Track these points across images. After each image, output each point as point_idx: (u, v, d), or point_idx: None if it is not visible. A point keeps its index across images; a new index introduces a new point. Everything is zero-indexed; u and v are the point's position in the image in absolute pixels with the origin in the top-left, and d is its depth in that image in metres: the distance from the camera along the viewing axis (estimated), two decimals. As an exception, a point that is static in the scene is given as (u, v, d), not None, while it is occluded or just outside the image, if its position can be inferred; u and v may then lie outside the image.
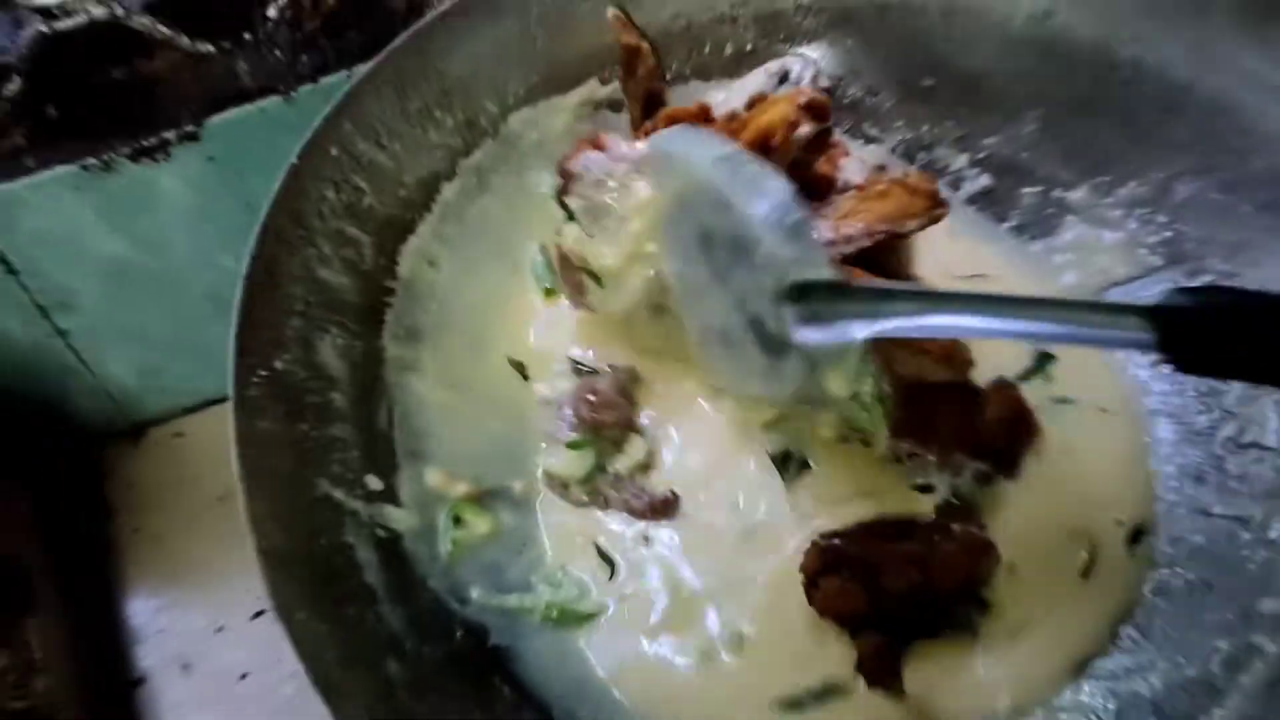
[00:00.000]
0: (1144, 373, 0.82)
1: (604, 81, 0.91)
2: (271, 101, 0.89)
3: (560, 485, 0.80)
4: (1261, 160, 0.76)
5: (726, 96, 0.81)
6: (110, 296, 0.97)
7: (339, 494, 0.73)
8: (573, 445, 0.80)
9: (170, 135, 0.88)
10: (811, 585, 0.70)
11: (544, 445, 0.82)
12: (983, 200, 0.90)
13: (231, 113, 0.88)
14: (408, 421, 0.81)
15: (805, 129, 0.69)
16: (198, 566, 1.02)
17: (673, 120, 0.76)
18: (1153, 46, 0.80)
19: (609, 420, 0.80)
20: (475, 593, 0.76)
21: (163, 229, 0.93)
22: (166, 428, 1.10)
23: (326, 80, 0.88)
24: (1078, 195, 0.86)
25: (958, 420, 0.72)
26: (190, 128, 0.88)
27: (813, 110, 0.69)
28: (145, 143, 0.88)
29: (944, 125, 0.90)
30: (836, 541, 0.71)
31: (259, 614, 0.98)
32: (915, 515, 0.73)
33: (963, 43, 0.87)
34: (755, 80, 0.83)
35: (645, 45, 0.82)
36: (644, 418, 0.82)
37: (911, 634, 0.70)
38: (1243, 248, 0.78)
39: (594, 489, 0.79)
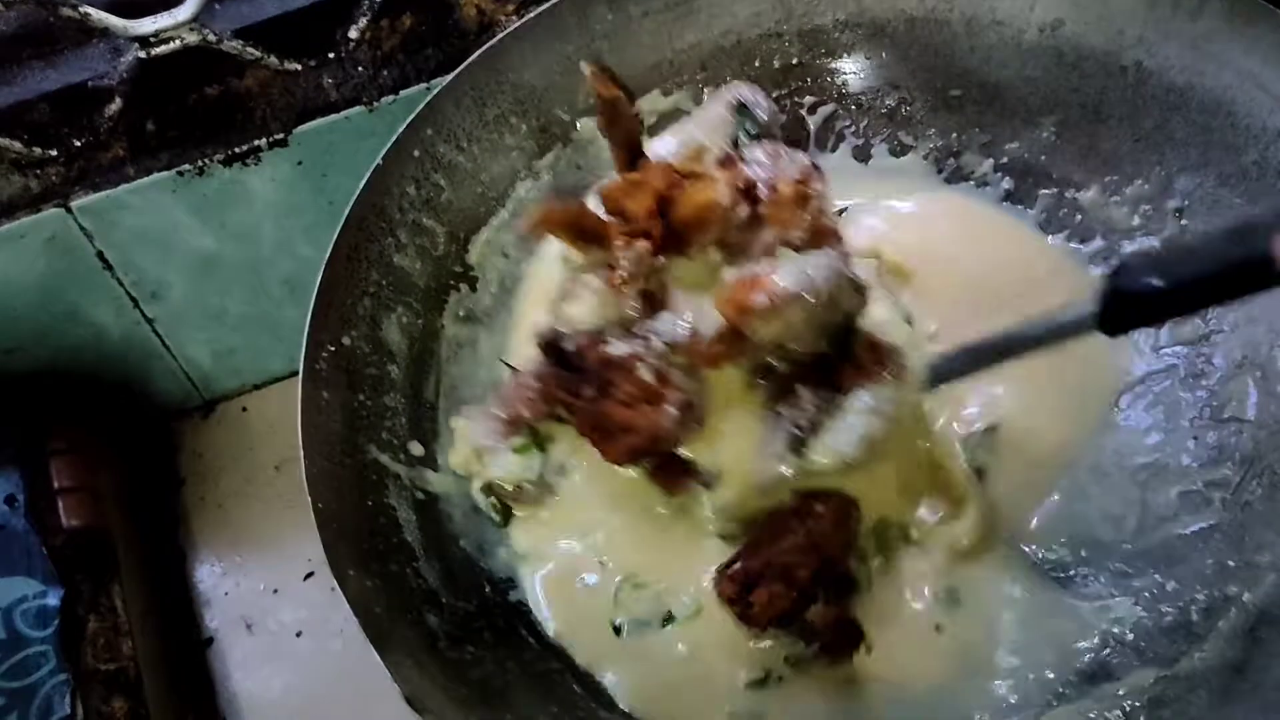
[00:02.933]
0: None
1: (665, 93, 1.10)
2: (355, 111, 1.10)
3: (512, 493, 0.92)
4: (1252, 154, 0.93)
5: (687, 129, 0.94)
6: (195, 285, 1.19)
7: (385, 458, 0.92)
8: (520, 449, 0.91)
9: (261, 143, 1.09)
10: (745, 607, 0.81)
11: (478, 465, 0.93)
12: (1005, 201, 1.08)
13: (318, 122, 1.09)
14: (453, 393, 1.01)
15: (742, 211, 0.80)
16: (256, 532, 1.24)
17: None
18: (1153, 50, 0.97)
19: (543, 412, 0.89)
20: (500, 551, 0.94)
21: (250, 225, 1.15)
22: (234, 403, 1.33)
23: (406, 92, 1.09)
24: (1089, 195, 1.03)
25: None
26: (279, 136, 1.09)
27: (747, 191, 0.81)
28: (237, 150, 1.09)
29: (970, 132, 1.09)
30: (739, 565, 0.84)
31: (309, 575, 1.19)
32: (776, 507, 0.86)
33: (984, 53, 1.06)
34: (715, 111, 0.94)
35: (622, 96, 0.94)
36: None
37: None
38: (1233, 237, 0.94)
39: (544, 484, 0.92)
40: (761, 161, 0.82)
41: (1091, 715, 0.81)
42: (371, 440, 0.90)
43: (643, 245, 0.83)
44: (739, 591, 0.82)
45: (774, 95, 1.11)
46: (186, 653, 1.17)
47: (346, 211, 0.91)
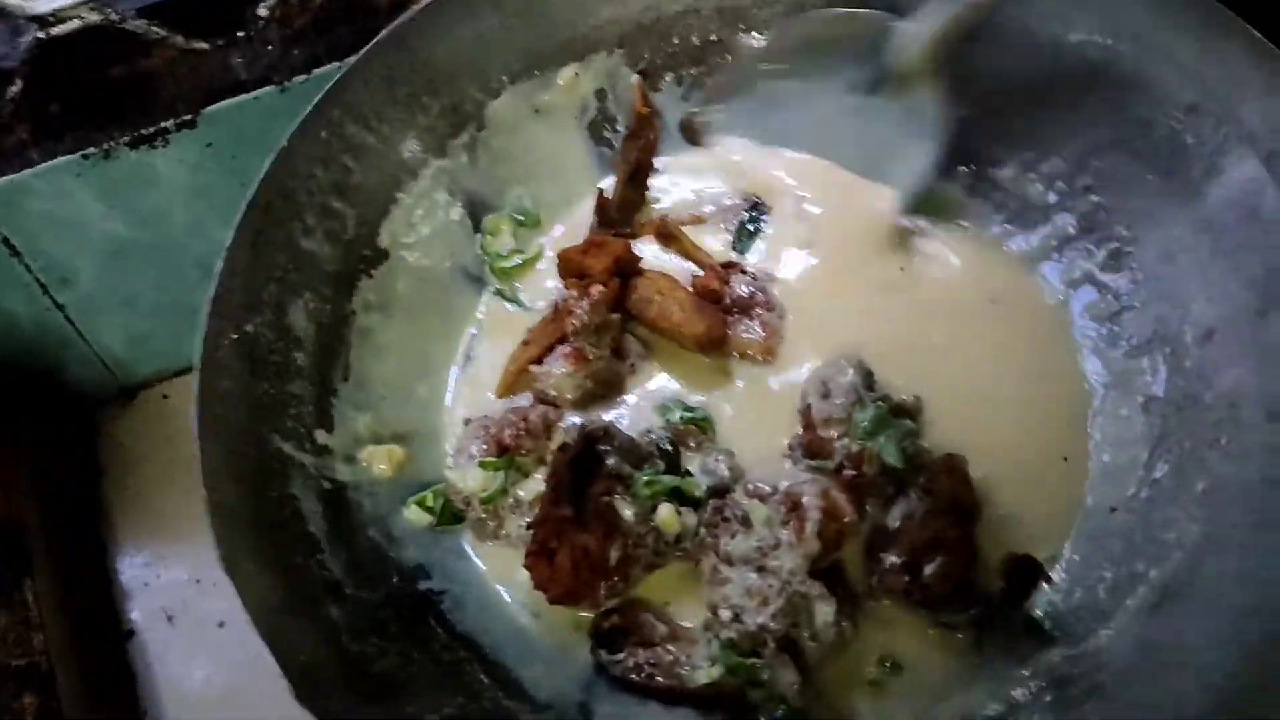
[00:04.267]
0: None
1: (578, 69, 1.08)
2: (266, 91, 1.06)
3: (462, 500, 0.92)
4: (1162, 129, 0.92)
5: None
6: (106, 271, 1.15)
7: (289, 448, 0.89)
8: (486, 465, 0.91)
9: (168, 124, 1.05)
10: (923, 592, 0.83)
11: (451, 460, 0.95)
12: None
13: (227, 102, 1.06)
14: (363, 381, 0.98)
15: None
16: (178, 522, 1.20)
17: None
18: (1070, 26, 0.96)
19: (528, 449, 0.92)
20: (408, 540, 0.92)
21: (160, 208, 1.12)
22: (155, 390, 1.29)
23: (319, 71, 1.06)
24: (1007, 172, 1.02)
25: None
26: (187, 117, 1.05)
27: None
28: (144, 132, 1.05)
29: (890, 110, 1.06)
30: (894, 558, 0.85)
31: (231, 565, 1.15)
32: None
33: (903, 30, 1.04)
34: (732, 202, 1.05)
35: (656, 120, 1.02)
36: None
37: None
38: (1145, 213, 0.94)
39: (493, 510, 0.91)
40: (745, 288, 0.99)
41: (998, 695, 0.81)
42: (275, 430, 0.87)
43: (598, 290, 0.93)
44: (911, 578, 0.82)
45: (692, 72, 1.09)
46: (106, 646, 1.14)
47: (249, 195, 0.88)
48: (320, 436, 0.91)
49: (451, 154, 1.04)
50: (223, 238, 1.09)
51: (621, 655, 0.85)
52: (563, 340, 0.95)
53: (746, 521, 0.84)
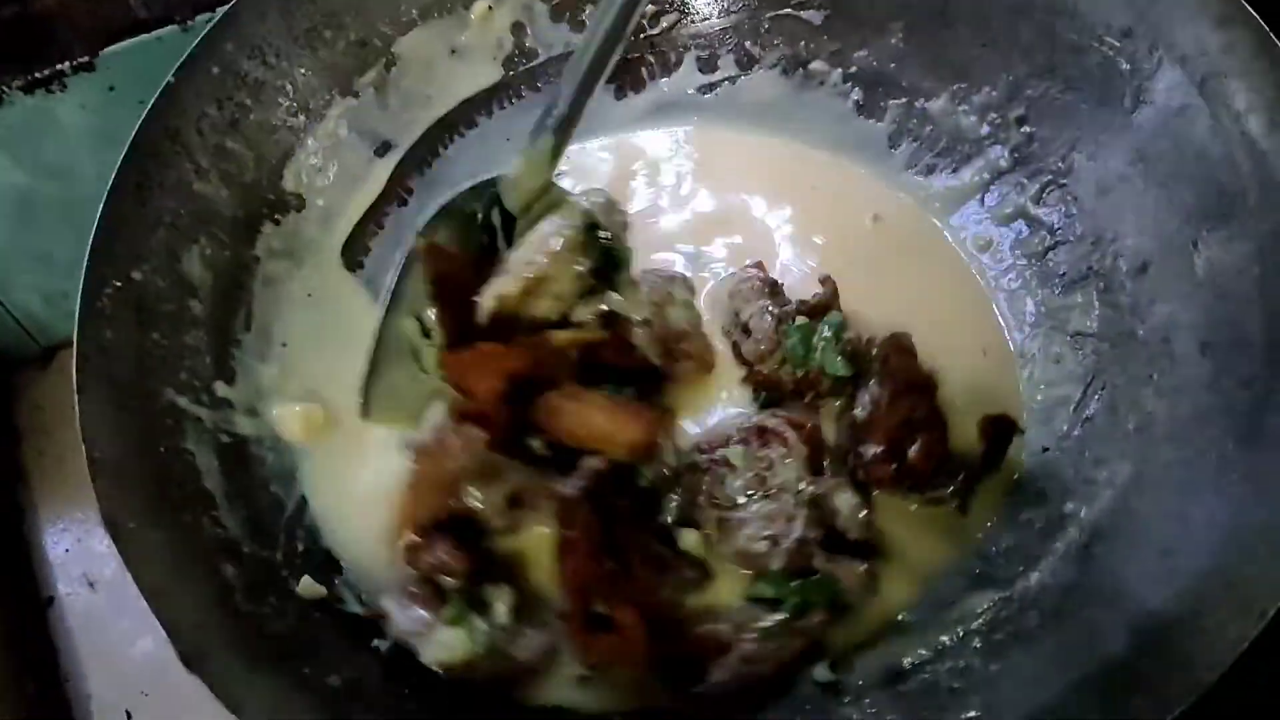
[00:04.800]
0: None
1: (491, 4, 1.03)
2: (168, 31, 1.00)
3: (466, 669, 0.77)
4: (1095, 56, 0.88)
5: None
6: (12, 226, 1.09)
7: (184, 401, 0.84)
8: (452, 621, 0.77)
9: (64, 67, 0.99)
10: (910, 476, 0.83)
11: (416, 649, 0.78)
12: (860, 111, 1.03)
13: (128, 43, 1.00)
14: (267, 331, 0.93)
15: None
16: None
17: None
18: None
19: (461, 571, 0.79)
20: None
21: (65, 157, 1.06)
22: (73, 351, 1.20)
23: (224, 9, 0.99)
24: (938, 104, 0.98)
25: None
26: (85, 59, 0.99)
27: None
28: (38, 75, 0.99)
29: (818, 40, 1.02)
30: (876, 448, 0.83)
31: (151, 526, 1.10)
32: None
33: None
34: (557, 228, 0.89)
35: (454, 269, 0.86)
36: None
37: None
38: (1079, 144, 0.90)
39: (499, 653, 0.78)
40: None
41: (927, 640, 0.78)
42: (168, 383, 0.83)
43: (475, 434, 0.80)
44: (897, 463, 0.82)
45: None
46: (26, 614, 1.10)
47: (132, 136, 0.83)
48: (219, 389, 0.87)
49: (359, 92, 0.99)
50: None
51: (712, 676, 0.77)
52: (451, 491, 0.81)
53: (727, 464, 0.83)
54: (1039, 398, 0.88)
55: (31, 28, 1.00)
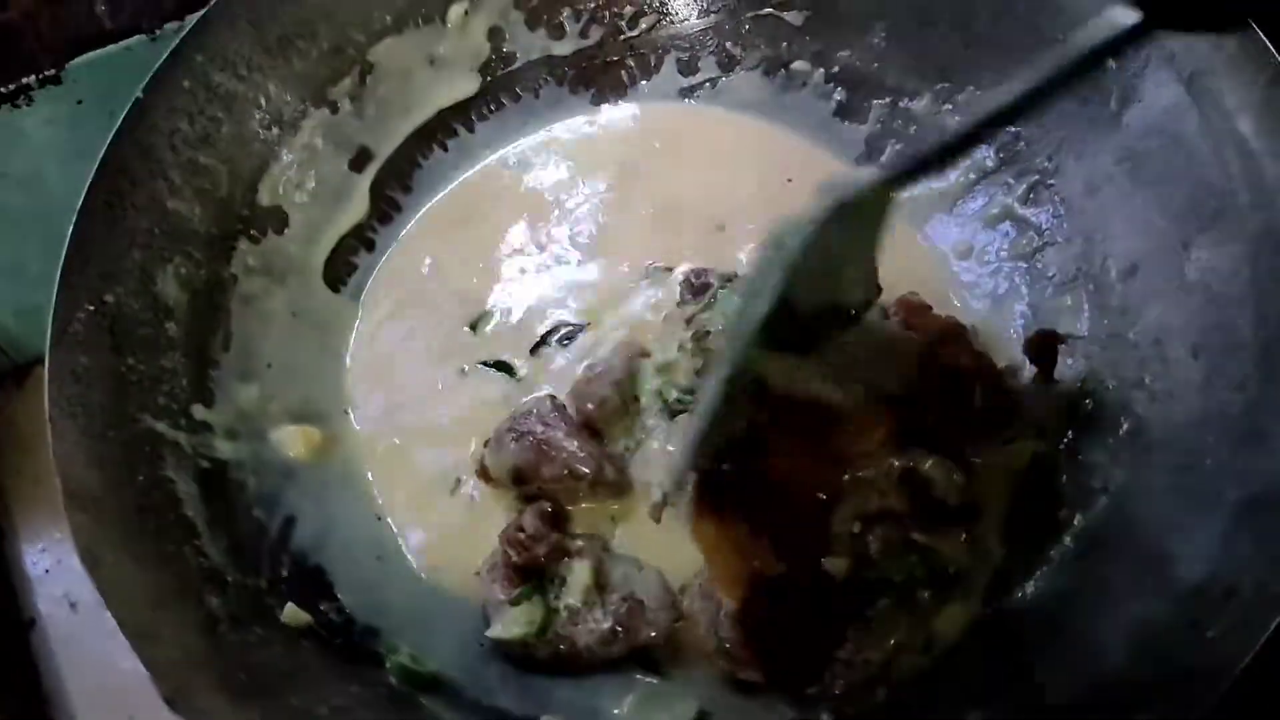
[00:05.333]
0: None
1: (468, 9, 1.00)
2: (136, 40, 0.98)
3: (520, 648, 0.80)
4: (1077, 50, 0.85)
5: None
6: (-18, 241, 1.05)
7: (162, 426, 0.82)
8: (517, 600, 0.80)
9: (30, 80, 0.96)
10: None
11: (488, 620, 0.81)
12: (841, 113, 1.01)
13: (95, 54, 0.97)
14: (246, 351, 0.90)
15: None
16: None
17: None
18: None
19: (544, 552, 0.81)
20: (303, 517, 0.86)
21: (33, 171, 1.03)
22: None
23: (192, 17, 0.96)
24: (922, 104, 0.96)
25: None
26: (50, 71, 0.96)
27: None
28: (4, 89, 0.96)
29: (800, 41, 1.00)
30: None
31: (133, 547, 1.08)
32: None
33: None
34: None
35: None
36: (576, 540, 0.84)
37: None
38: (1065, 144, 0.89)
39: (555, 635, 0.79)
40: None
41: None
42: (145, 408, 0.80)
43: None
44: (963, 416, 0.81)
45: (592, 5, 1.02)
46: (6, 636, 1.07)
47: (101, 154, 0.80)
48: (198, 412, 0.84)
49: (335, 103, 0.96)
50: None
51: (834, 685, 0.76)
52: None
53: None
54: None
55: (-5, 40, 0.97)
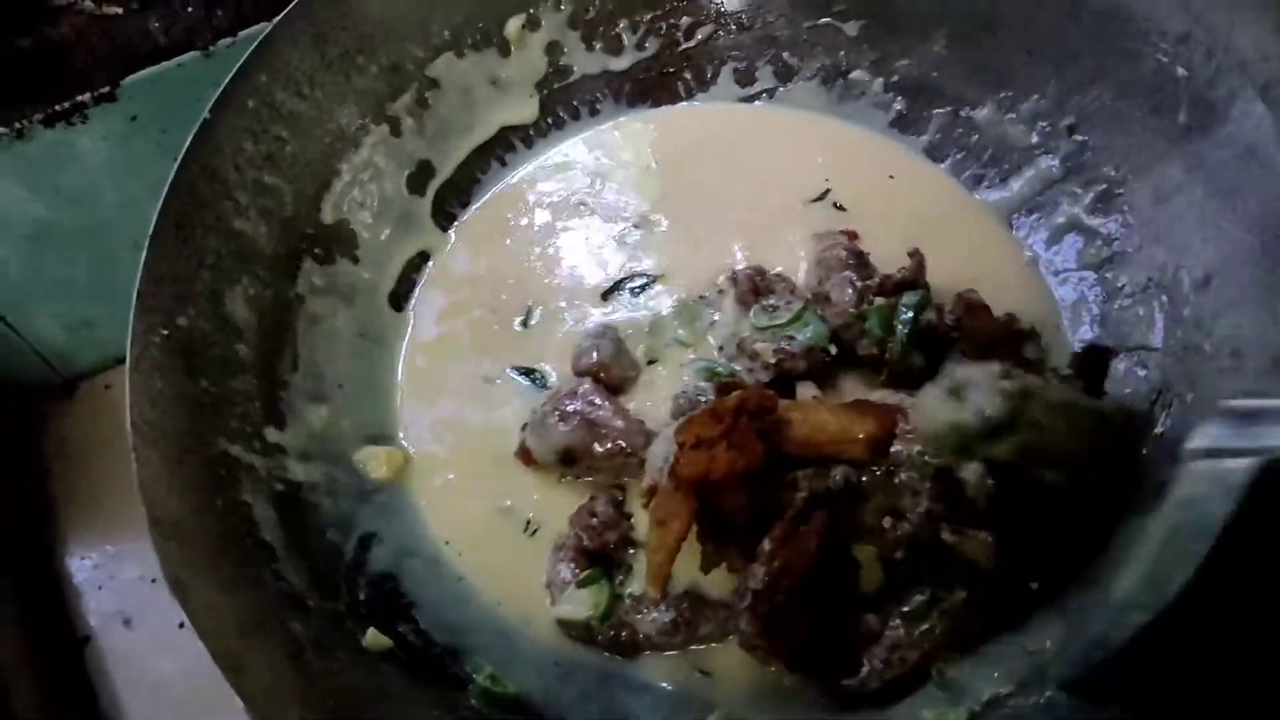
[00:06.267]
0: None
1: (530, 26, 1.00)
2: (190, 57, 0.97)
3: (583, 630, 0.81)
4: (1150, 62, 0.85)
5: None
6: (34, 258, 1.06)
7: (237, 449, 0.81)
8: (585, 582, 0.81)
9: (85, 98, 0.96)
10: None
11: (550, 600, 0.83)
12: (900, 123, 1.00)
13: (148, 71, 0.96)
14: (314, 371, 0.90)
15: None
16: (128, 518, 1.08)
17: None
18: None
19: (614, 540, 0.83)
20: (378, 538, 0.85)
21: (86, 188, 1.02)
22: (98, 380, 1.19)
23: (245, 33, 0.97)
24: (983, 113, 0.95)
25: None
26: (105, 89, 0.95)
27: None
28: (59, 108, 0.95)
29: (859, 49, 0.99)
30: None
31: (189, 561, 1.07)
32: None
33: (868, -35, 0.96)
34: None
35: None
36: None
37: None
38: (1133, 153, 0.88)
39: (619, 621, 0.81)
40: None
41: (1004, 670, 0.75)
42: (220, 431, 0.79)
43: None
44: None
45: (649, 17, 1.01)
46: (62, 655, 1.07)
47: (171, 177, 0.79)
48: (270, 434, 0.83)
49: (395, 119, 0.96)
50: (160, 217, 1.01)
51: (865, 668, 0.77)
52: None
53: None
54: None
55: (50, 58, 0.97)
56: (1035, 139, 0.93)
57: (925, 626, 0.77)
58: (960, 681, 0.76)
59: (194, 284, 0.81)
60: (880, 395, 0.82)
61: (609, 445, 0.84)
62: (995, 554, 0.75)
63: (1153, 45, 0.85)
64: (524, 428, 0.88)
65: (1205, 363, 0.80)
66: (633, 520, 0.85)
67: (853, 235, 0.92)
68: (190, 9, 0.97)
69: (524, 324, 0.96)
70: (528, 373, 0.94)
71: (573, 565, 0.82)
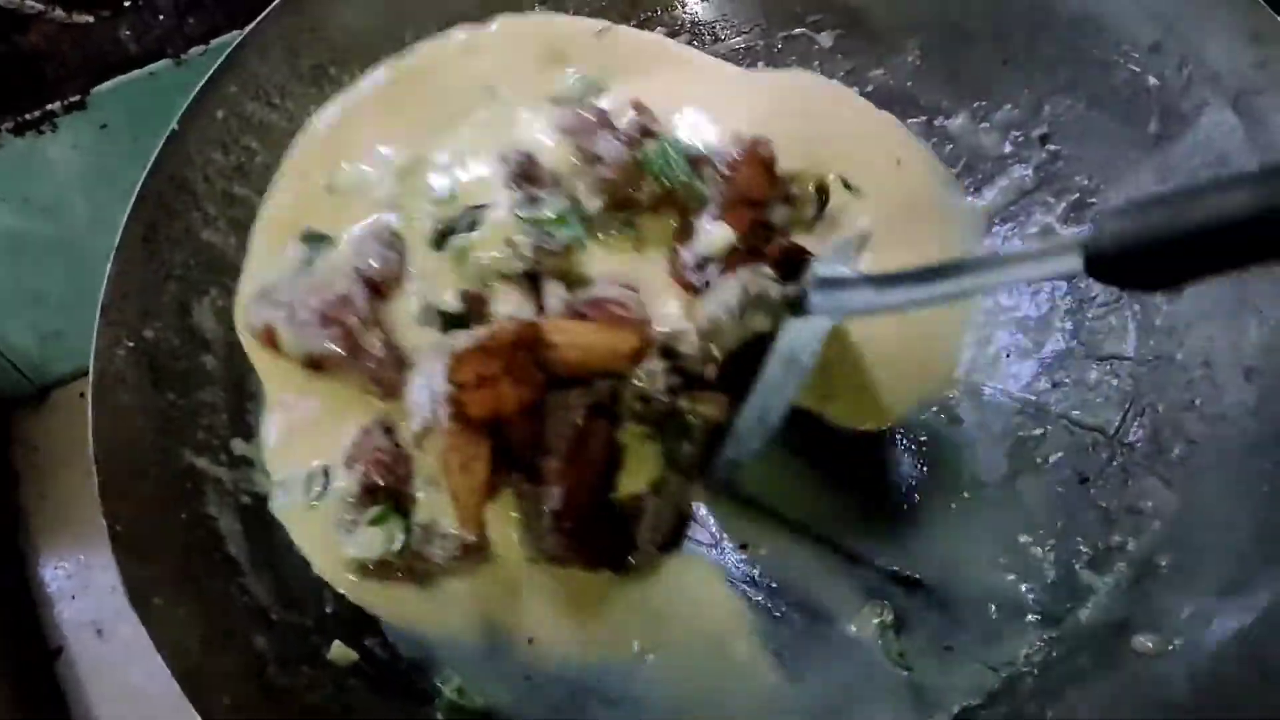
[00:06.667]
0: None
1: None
2: (161, 65, 0.96)
3: (381, 567, 0.79)
4: (1122, 72, 0.85)
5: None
6: (6, 266, 1.05)
7: (203, 462, 0.80)
8: (376, 520, 0.79)
9: (55, 107, 0.95)
10: None
11: (341, 541, 0.80)
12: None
13: (119, 80, 0.96)
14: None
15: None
16: (101, 528, 1.07)
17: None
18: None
19: (404, 474, 0.80)
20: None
21: (57, 197, 1.02)
22: (70, 389, 1.18)
23: (218, 41, 0.96)
24: (957, 122, 0.95)
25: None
26: (75, 97, 0.95)
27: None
28: (28, 116, 0.95)
29: (833, 60, 0.99)
30: None
31: (158, 572, 1.06)
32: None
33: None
34: None
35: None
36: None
37: None
38: (1107, 163, 0.87)
39: (413, 554, 0.79)
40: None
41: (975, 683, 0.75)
42: (185, 444, 0.79)
43: None
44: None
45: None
46: (33, 666, 1.05)
47: (137, 188, 0.79)
48: (237, 446, 0.82)
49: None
50: (132, 226, 1.00)
51: (650, 543, 0.81)
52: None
53: None
54: (1075, 422, 0.84)
55: (20, 66, 0.96)
56: (1008, 148, 0.93)
57: (669, 486, 0.81)
58: (932, 694, 0.76)
59: (161, 296, 0.80)
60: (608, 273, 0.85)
61: (366, 367, 0.81)
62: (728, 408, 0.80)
63: (1124, 55, 0.85)
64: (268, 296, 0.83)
65: (1178, 373, 0.80)
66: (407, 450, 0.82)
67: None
68: (162, 17, 0.97)
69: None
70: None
71: (361, 505, 0.79)
